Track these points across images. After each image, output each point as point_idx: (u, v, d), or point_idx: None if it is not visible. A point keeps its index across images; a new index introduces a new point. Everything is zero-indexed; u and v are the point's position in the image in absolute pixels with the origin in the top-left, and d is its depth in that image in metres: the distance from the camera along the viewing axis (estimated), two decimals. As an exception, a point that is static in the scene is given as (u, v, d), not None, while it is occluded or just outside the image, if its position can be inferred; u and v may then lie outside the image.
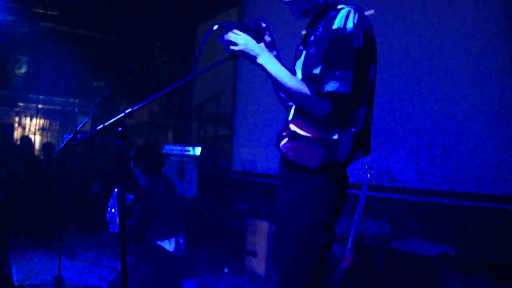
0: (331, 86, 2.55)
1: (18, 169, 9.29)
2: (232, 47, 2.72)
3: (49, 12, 11.42)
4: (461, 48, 5.16)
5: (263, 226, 6.62)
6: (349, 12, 2.65)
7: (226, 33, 2.76)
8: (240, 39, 2.73)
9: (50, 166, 9.50)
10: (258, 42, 2.82)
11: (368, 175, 4.99)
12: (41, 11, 11.31)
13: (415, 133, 5.54)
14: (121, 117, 2.61)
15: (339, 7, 2.72)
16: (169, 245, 5.20)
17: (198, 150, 7.78)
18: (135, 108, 2.67)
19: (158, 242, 5.15)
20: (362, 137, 2.73)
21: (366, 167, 5.05)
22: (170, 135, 11.63)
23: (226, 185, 8.30)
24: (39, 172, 9.44)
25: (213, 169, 8.09)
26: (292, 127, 2.78)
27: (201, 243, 7.23)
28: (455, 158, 5.11)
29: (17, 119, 13.03)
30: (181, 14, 11.23)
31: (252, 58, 2.71)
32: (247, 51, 2.72)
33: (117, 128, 2.60)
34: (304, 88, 2.61)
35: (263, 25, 2.98)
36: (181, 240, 5.36)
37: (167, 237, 5.21)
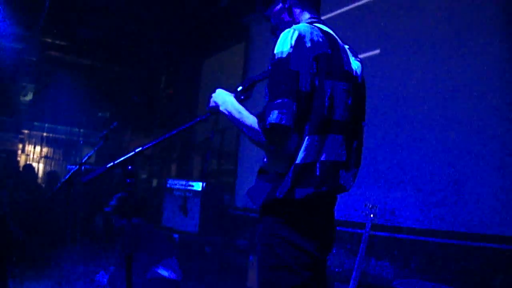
0: (271, 118, 2.36)
1: (20, 196, 9.28)
2: (208, 106, 2.84)
3: (57, 42, 11.52)
4: (465, 89, 5.20)
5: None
6: (288, 32, 2.51)
7: None
8: (214, 95, 2.81)
9: (53, 196, 9.48)
10: None
11: (371, 215, 4.98)
12: (49, 40, 11.41)
13: (419, 173, 5.54)
14: (131, 155, 2.64)
15: (289, 28, 2.57)
16: (165, 271, 5.24)
17: (201, 186, 7.78)
18: (144, 148, 2.71)
19: (155, 269, 5.19)
20: (310, 170, 2.45)
21: (370, 206, 5.03)
22: (174, 169, 11.64)
23: (229, 220, 8.27)
24: (40, 201, 9.42)
25: (216, 205, 8.09)
26: (261, 166, 2.67)
27: (202, 278, 7.20)
28: (458, 198, 5.10)
29: (20, 146, 13.04)
30: (188, 49, 11.31)
31: (216, 110, 2.77)
32: (212, 104, 2.80)
33: (127, 166, 2.63)
34: (254, 124, 2.48)
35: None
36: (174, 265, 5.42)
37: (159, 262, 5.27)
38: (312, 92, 2.45)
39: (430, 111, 5.52)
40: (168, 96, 12.25)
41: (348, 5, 6.85)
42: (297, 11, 2.86)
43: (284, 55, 2.44)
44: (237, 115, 2.60)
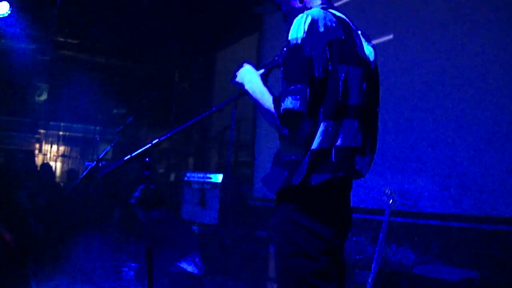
0: (285, 104, 2.39)
1: (39, 195, 9.33)
2: (232, 81, 2.83)
3: (69, 41, 11.56)
4: (483, 71, 5.15)
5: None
6: (301, 18, 2.52)
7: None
8: (241, 70, 2.82)
9: (72, 193, 9.53)
10: None
11: (390, 201, 4.95)
12: (62, 39, 11.45)
13: (438, 157, 5.51)
14: (148, 147, 2.64)
15: (302, 13, 2.58)
16: (188, 266, 5.25)
17: (219, 177, 7.78)
18: (161, 139, 2.70)
19: (178, 264, 5.20)
20: (326, 156, 2.45)
21: (388, 192, 5.01)
22: (191, 162, 11.65)
23: (248, 211, 8.27)
24: (59, 199, 9.47)
25: (234, 196, 8.08)
26: (277, 153, 2.66)
27: (223, 270, 7.21)
28: (478, 181, 5.07)
29: (37, 146, 13.11)
30: (201, 42, 11.29)
31: (241, 87, 2.76)
32: (239, 80, 2.79)
33: (144, 158, 2.62)
34: (272, 108, 2.50)
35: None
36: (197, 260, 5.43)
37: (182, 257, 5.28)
38: (326, 77, 2.45)
39: (448, 95, 5.48)
40: (183, 90, 12.25)
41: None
42: None
43: (298, 41, 2.45)
44: (259, 96, 2.62)
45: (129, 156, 2.62)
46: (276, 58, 2.83)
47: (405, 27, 6.11)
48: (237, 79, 2.81)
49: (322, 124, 2.45)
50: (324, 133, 2.43)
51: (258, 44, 9.41)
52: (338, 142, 2.47)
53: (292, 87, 2.39)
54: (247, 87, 2.72)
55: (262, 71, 2.82)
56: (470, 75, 5.26)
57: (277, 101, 2.48)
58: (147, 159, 2.62)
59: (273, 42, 8.83)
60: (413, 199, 5.69)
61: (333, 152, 2.45)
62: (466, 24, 5.39)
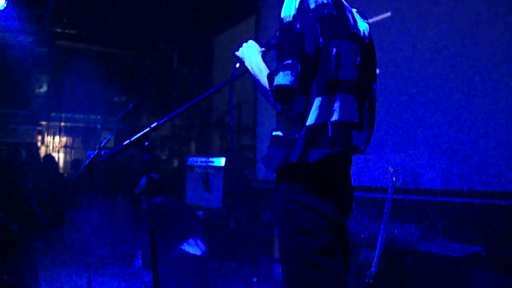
0: (277, 80, 2.40)
1: (43, 187, 9.36)
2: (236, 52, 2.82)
3: (67, 31, 11.55)
4: (487, 46, 5.12)
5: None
6: None
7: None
8: (245, 45, 2.83)
9: (75, 183, 9.55)
10: None
11: (394, 178, 4.95)
12: (59, 30, 11.44)
13: (440, 133, 5.49)
14: (147, 131, 2.64)
15: None
16: (190, 248, 5.28)
17: (222, 161, 7.80)
18: (160, 122, 2.69)
19: (180, 247, 5.23)
20: (322, 132, 2.45)
21: (391, 169, 5.00)
22: (193, 147, 11.66)
23: (252, 194, 8.29)
24: (64, 190, 9.49)
25: (238, 179, 8.09)
26: (274, 132, 2.67)
27: (229, 252, 7.23)
28: (482, 155, 5.05)
29: (39, 137, 13.11)
30: (199, 26, 11.27)
31: (242, 62, 2.78)
32: (240, 55, 2.80)
33: (144, 142, 2.62)
34: (267, 84, 2.51)
35: None
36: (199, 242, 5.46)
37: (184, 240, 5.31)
38: (318, 53, 2.46)
39: (452, 68, 5.45)
40: (182, 76, 12.23)
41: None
42: None
43: (290, 19, 2.47)
44: (257, 73, 2.64)
45: (128, 141, 2.62)
46: (271, 39, 2.84)
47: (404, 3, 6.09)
48: (239, 53, 2.82)
49: (316, 99, 2.45)
50: (319, 108, 2.44)
51: (256, 26, 9.40)
52: (334, 117, 2.48)
53: (284, 63, 2.41)
54: (247, 63, 2.74)
55: (262, 49, 2.83)
56: (476, 49, 5.23)
57: (270, 77, 2.48)
58: (146, 143, 2.61)
59: (271, 24, 8.80)
60: (416, 176, 5.68)
61: (329, 127, 2.46)
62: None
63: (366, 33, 2.79)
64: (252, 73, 2.68)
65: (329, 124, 2.46)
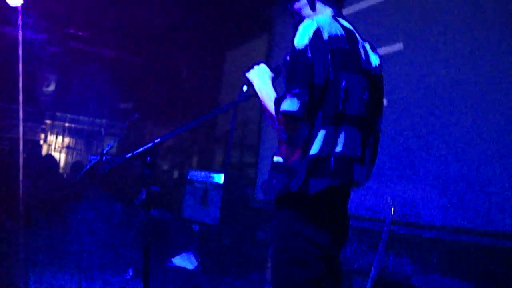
0: (283, 106, 2.43)
1: (42, 185, 9.34)
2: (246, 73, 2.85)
3: (79, 33, 11.57)
4: (491, 86, 5.13)
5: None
6: (307, 24, 2.55)
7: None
8: (256, 67, 2.86)
9: (75, 186, 9.54)
10: None
11: (392, 210, 4.94)
12: (72, 31, 11.46)
13: (441, 167, 5.49)
14: (150, 147, 2.64)
15: (309, 19, 2.60)
16: (183, 262, 5.27)
17: (222, 178, 7.80)
18: (164, 139, 2.70)
19: (172, 260, 5.23)
20: (325, 163, 2.45)
21: (390, 201, 4.99)
22: (195, 160, 11.66)
23: (249, 213, 8.28)
24: (62, 191, 9.48)
25: (236, 197, 8.09)
26: (274, 157, 2.67)
27: (221, 269, 7.21)
28: (482, 196, 5.04)
29: (43, 136, 13.10)
30: (211, 40, 11.30)
31: (251, 84, 2.81)
32: (250, 76, 2.83)
33: (146, 157, 2.63)
34: (273, 110, 2.54)
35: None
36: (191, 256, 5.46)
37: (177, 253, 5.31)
38: (326, 84, 2.47)
39: (452, 105, 5.47)
40: (190, 88, 12.26)
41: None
42: (320, 5, 2.87)
43: (302, 47, 2.49)
44: (265, 97, 2.67)
45: (131, 154, 2.63)
46: (281, 65, 2.86)
47: (415, 37, 6.10)
48: (249, 75, 2.85)
49: (321, 130, 2.46)
50: (323, 139, 2.45)
51: (268, 46, 9.43)
52: (338, 150, 2.48)
53: (292, 90, 2.43)
54: (256, 86, 2.76)
55: (273, 74, 2.85)
56: (480, 87, 5.24)
57: (277, 102, 2.51)
58: (148, 158, 2.63)
59: (283, 45, 8.84)
60: (415, 209, 5.67)
61: (332, 159, 2.47)
62: (479, 36, 5.38)
63: (377, 67, 2.80)
64: (260, 96, 2.70)
65: (332, 156, 2.47)
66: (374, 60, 2.80)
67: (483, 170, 5.06)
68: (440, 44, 5.75)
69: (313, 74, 2.44)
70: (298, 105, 2.40)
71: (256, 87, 2.76)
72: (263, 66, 2.87)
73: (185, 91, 12.35)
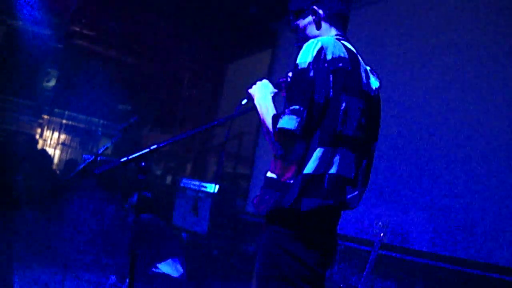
0: (281, 123, 2.44)
1: (34, 180, 9.32)
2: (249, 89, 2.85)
3: (84, 31, 11.58)
4: (487, 115, 5.17)
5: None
6: (311, 43, 2.57)
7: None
8: (259, 83, 2.87)
9: (67, 183, 9.51)
10: None
11: (381, 234, 4.95)
12: (77, 29, 11.47)
13: (432, 195, 5.51)
14: (145, 152, 2.65)
15: (314, 39, 2.63)
16: (168, 269, 5.27)
17: (214, 188, 7.79)
18: (160, 146, 2.71)
19: (158, 266, 5.22)
20: (318, 182, 2.46)
21: (381, 224, 5.00)
22: (189, 168, 11.65)
23: (239, 225, 8.27)
24: (54, 187, 9.45)
25: (227, 208, 8.08)
26: (268, 173, 2.68)
27: (207, 280, 7.19)
28: (473, 226, 5.06)
29: (39, 130, 13.07)
30: (215, 51, 11.33)
31: (252, 99, 2.82)
32: (251, 92, 2.84)
33: (140, 162, 2.63)
34: (270, 125, 2.54)
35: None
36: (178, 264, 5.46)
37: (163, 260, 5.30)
38: (326, 104, 2.49)
39: (446, 131, 5.50)
40: (190, 96, 12.28)
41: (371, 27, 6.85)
42: (326, 26, 2.89)
43: (305, 65, 2.51)
44: (263, 112, 2.68)
45: (126, 158, 2.63)
46: (282, 81, 2.87)
47: (412, 59, 6.15)
48: (251, 91, 2.86)
49: (318, 149, 2.47)
50: (319, 159, 2.46)
51: (270, 60, 9.45)
52: (332, 170, 2.49)
53: (291, 107, 2.44)
54: (256, 100, 2.77)
55: (275, 90, 2.87)
56: (476, 114, 5.28)
57: (275, 118, 2.52)
58: (143, 164, 2.63)
59: (285, 60, 8.86)
60: (404, 234, 5.68)
61: (326, 179, 2.47)
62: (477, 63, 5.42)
63: (377, 92, 2.83)
64: (259, 111, 2.70)
65: (326, 175, 2.48)
66: (374, 83, 2.82)
67: (471, 200, 5.08)
68: (434, 74, 5.80)
69: (313, 93, 2.45)
70: (296, 123, 2.41)
71: (256, 102, 2.77)
72: (265, 81, 2.89)
73: (184, 99, 12.38)
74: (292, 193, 2.45)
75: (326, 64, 2.50)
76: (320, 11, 2.86)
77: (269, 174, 2.66)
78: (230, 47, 10.96)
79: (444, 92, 5.66)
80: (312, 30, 2.90)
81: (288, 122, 2.42)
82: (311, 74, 2.47)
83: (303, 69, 2.50)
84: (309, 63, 2.50)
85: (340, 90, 2.52)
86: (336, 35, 2.85)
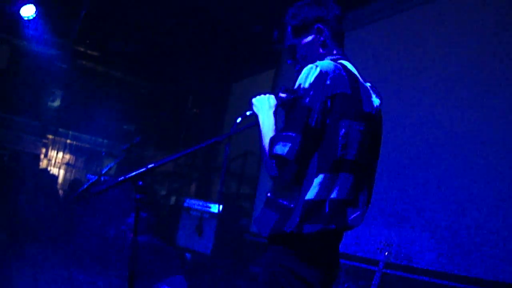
0: (275, 149, 2.43)
1: (38, 201, 9.32)
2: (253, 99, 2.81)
3: (89, 52, 11.65)
4: (488, 130, 5.16)
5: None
6: (310, 69, 2.55)
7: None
8: (258, 99, 2.81)
9: (71, 203, 9.51)
10: None
11: (386, 253, 4.92)
12: (81, 49, 11.54)
13: (437, 213, 5.48)
14: (142, 171, 2.63)
15: (312, 64, 2.60)
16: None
17: (218, 208, 7.78)
18: (157, 164, 2.69)
19: (159, 286, 5.20)
20: (319, 208, 2.44)
21: (385, 243, 4.98)
22: (193, 188, 11.64)
23: (243, 245, 8.24)
24: (58, 208, 9.45)
25: (231, 228, 8.07)
26: (269, 194, 2.67)
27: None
28: (478, 244, 5.03)
29: (44, 150, 13.09)
30: (218, 71, 11.37)
31: (256, 115, 2.77)
32: (255, 107, 2.79)
33: (138, 182, 2.61)
34: (267, 147, 2.52)
35: None
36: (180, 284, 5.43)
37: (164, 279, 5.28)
38: (323, 129, 2.47)
39: (454, 152, 5.48)
40: (195, 116, 12.30)
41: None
42: (330, 44, 2.87)
43: (301, 92, 2.49)
44: (265, 131, 2.65)
45: (122, 178, 2.61)
46: (280, 93, 2.87)
47: (410, 78, 6.16)
48: (256, 102, 2.81)
49: (318, 176, 2.46)
50: (319, 185, 2.44)
51: (274, 80, 9.47)
52: (333, 195, 2.47)
53: (285, 133, 2.44)
54: (259, 117, 2.73)
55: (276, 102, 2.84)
56: (477, 130, 5.27)
57: (271, 142, 2.51)
58: (140, 183, 2.61)
59: (288, 80, 8.87)
60: (409, 253, 5.65)
61: (327, 204, 2.46)
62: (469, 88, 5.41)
63: (378, 109, 2.80)
64: (261, 128, 2.68)
65: (327, 201, 2.46)
66: (375, 101, 2.79)
67: (476, 218, 5.05)
68: (438, 92, 5.80)
69: (308, 119, 2.44)
70: (288, 149, 2.41)
71: (260, 117, 2.73)
72: (269, 96, 2.82)
73: (189, 118, 12.39)
74: (294, 218, 2.44)
75: (324, 90, 2.48)
76: (326, 31, 2.85)
77: (269, 196, 2.65)
78: (234, 67, 11.01)
79: (450, 107, 5.64)
80: (314, 49, 2.88)
81: (281, 148, 2.42)
82: (307, 100, 2.46)
83: (300, 94, 2.49)
84: (306, 89, 2.49)
85: (340, 116, 2.50)
86: (335, 54, 2.84)
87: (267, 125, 2.65)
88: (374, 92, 2.84)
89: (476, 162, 5.20)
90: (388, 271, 5.33)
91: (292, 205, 2.47)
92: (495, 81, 5.26)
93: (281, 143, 2.43)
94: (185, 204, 8.37)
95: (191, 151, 2.86)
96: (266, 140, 2.57)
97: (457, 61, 5.77)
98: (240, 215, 8.76)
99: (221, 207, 7.82)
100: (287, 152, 2.40)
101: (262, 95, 2.83)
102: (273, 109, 2.75)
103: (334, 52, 2.86)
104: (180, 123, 12.38)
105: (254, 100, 2.82)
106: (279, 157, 2.43)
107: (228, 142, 3.00)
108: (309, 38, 2.89)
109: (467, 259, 5.07)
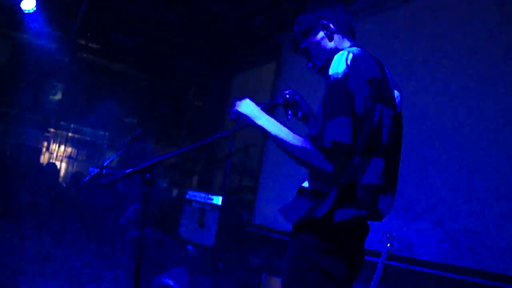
0: (330, 136, 2.35)
1: (40, 194, 9.32)
2: (232, 115, 2.78)
3: (90, 45, 11.65)
4: (495, 124, 5.14)
5: (277, 282, 6.54)
6: (342, 54, 2.52)
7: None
8: (239, 105, 2.78)
9: (73, 196, 9.52)
10: (293, 113, 2.96)
11: (388, 244, 4.91)
12: (83, 42, 11.54)
13: (440, 204, 5.47)
14: (150, 164, 2.62)
15: (343, 51, 2.58)
16: (171, 281, 5.24)
17: (220, 200, 7.76)
18: (165, 157, 2.69)
19: (161, 278, 5.20)
20: (351, 192, 2.44)
21: (388, 235, 4.97)
22: (195, 181, 11.64)
23: (245, 238, 8.24)
24: (59, 201, 9.45)
25: (233, 220, 8.05)
26: (304, 183, 2.64)
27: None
28: (481, 235, 5.01)
29: (45, 144, 13.11)
30: (220, 63, 11.35)
31: (249, 121, 2.71)
32: (243, 115, 2.74)
33: (145, 174, 2.61)
34: (305, 144, 2.44)
35: (295, 97, 3.07)
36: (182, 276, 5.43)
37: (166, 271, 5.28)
38: (365, 114, 2.45)
39: (453, 144, 5.47)
40: (196, 109, 12.29)
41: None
42: (338, 37, 2.89)
43: (340, 76, 2.45)
44: (283, 135, 2.55)
45: (130, 170, 2.61)
46: (276, 98, 2.86)
47: (422, 73, 6.12)
48: (242, 113, 2.76)
49: (356, 158, 2.44)
50: (353, 168, 2.43)
51: (275, 71, 9.43)
52: (364, 179, 2.46)
53: (335, 119, 2.38)
54: (259, 123, 2.68)
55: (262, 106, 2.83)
56: (484, 124, 5.25)
57: (315, 137, 2.46)
58: (147, 175, 2.60)
59: (290, 72, 8.86)
60: (411, 245, 5.64)
61: (358, 188, 2.44)
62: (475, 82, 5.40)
63: (398, 101, 2.81)
64: (273, 133, 2.59)
65: (358, 185, 2.45)
66: (396, 93, 2.81)
67: (479, 209, 5.04)
68: (444, 87, 5.78)
69: (353, 103, 2.42)
70: (347, 133, 2.36)
71: (260, 123, 2.67)
72: (247, 101, 2.81)
73: (190, 111, 12.39)
74: (327, 202, 2.41)
75: (361, 74, 2.48)
76: (331, 25, 2.87)
77: (305, 184, 2.63)
78: (236, 60, 10.98)
79: (455, 102, 5.62)
80: (326, 43, 2.89)
81: (340, 135, 2.36)
82: (349, 84, 2.43)
83: (339, 79, 2.45)
84: (345, 72, 2.45)
85: (375, 100, 2.50)
86: (350, 46, 2.83)
87: (279, 128, 2.59)
88: (395, 86, 2.85)
89: (478, 152, 5.19)
90: (390, 263, 5.32)
91: (327, 190, 2.45)
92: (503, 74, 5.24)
93: (335, 129, 2.37)
94: (187, 196, 8.35)
95: (199, 145, 2.85)
96: (296, 140, 2.49)
97: (457, 55, 5.75)
98: (242, 208, 8.75)
99: (220, 199, 7.79)
100: (347, 136, 2.35)
101: (243, 101, 2.81)
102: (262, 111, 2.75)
103: (348, 42, 2.89)
104: (181, 116, 12.37)
105: (239, 108, 2.78)
106: (337, 144, 2.35)
107: (233, 138, 3.00)
108: (317, 36, 2.91)
109: (469, 250, 5.07)
